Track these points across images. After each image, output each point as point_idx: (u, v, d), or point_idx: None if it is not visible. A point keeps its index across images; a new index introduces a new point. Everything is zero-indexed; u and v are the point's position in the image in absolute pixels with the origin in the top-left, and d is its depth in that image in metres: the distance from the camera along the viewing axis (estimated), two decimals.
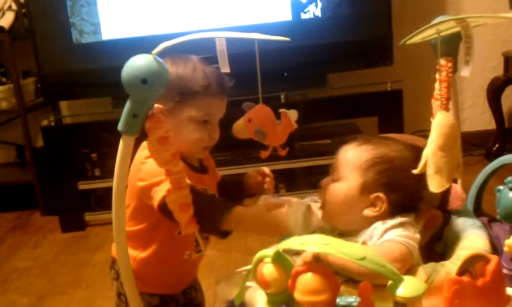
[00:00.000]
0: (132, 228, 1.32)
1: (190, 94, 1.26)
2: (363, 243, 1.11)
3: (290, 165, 2.83)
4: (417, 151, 1.17)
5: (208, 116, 1.29)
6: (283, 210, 1.16)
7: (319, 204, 1.24)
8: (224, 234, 1.22)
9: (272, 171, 2.86)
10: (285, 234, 1.16)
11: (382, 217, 1.13)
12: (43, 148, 3.07)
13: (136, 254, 1.33)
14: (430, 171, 1.07)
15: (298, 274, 0.82)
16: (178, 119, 1.26)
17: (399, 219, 1.11)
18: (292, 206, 1.17)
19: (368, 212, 1.14)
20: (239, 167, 2.79)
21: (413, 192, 1.17)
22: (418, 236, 1.10)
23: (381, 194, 1.14)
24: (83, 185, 3.01)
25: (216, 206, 1.21)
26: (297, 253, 1.03)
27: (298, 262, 0.87)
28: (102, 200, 3.04)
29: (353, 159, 1.17)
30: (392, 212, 1.14)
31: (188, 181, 1.15)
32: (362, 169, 1.15)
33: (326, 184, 1.20)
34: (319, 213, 1.23)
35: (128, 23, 2.86)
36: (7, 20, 3.11)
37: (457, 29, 1.08)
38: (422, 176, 1.15)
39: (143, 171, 1.22)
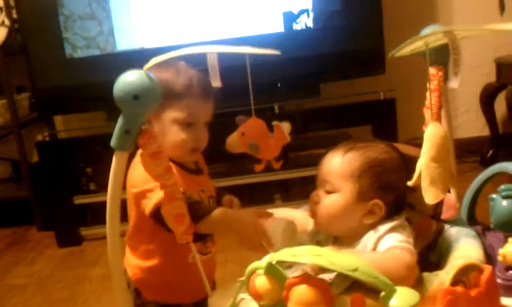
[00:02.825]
0: (134, 238, 1.34)
1: (172, 96, 1.27)
2: None
3: (285, 175, 2.84)
4: (398, 150, 1.20)
5: (191, 118, 1.30)
6: (267, 222, 1.17)
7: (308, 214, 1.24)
8: (199, 236, 1.23)
9: (268, 182, 2.90)
10: (258, 244, 1.17)
11: (378, 221, 1.14)
12: (38, 163, 3.06)
13: (142, 263, 1.34)
14: (424, 183, 1.08)
15: (292, 285, 0.82)
16: (163, 122, 1.28)
17: (389, 224, 1.12)
18: (274, 221, 1.18)
19: (367, 219, 1.15)
20: (233, 179, 2.79)
21: (404, 191, 1.18)
22: (411, 239, 1.11)
23: (378, 201, 1.14)
24: (79, 200, 3.00)
25: (195, 208, 1.20)
26: (290, 266, 1.03)
27: (291, 274, 0.87)
28: (98, 214, 3.03)
29: (344, 168, 1.17)
30: (386, 215, 1.14)
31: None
32: (355, 177, 1.15)
33: (318, 198, 1.19)
34: (310, 224, 1.24)
35: (122, 36, 2.87)
36: (0, 36, 3.11)
37: (444, 41, 1.08)
38: (410, 175, 1.16)
39: (134, 177, 1.24)
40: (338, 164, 1.18)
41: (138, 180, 1.22)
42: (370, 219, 1.15)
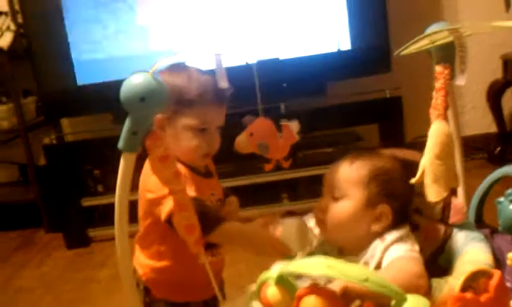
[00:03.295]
0: (146, 238, 1.35)
1: (185, 103, 1.27)
2: (365, 263, 1.12)
3: (293, 174, 2.83)
4: (399, 160, 1.22)
5: (205, 124, 1.30)
6: (278, 230, 1.18)
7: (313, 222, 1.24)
8: (210, 245, 1.24)
9: (276, 181, 2.90)
10: (277, 254, 1.17)
11: (385, 229, 1.15)
12: (45, 166, 3.07)
13: (152, 263, 1.35)
14: (428, 180, 1.08)
15: (302, 296, 0.83)
16: (176, 128, 1.28)
17: (395, 234, 1.13)
18: (285, 223, 1.19)
19: (375, 226, 1.16)
20: (241, 179, 2.79)
21: (409, 200, 1.21)
22: (417, 247, 1.12)
23: (385, 208, 1.15)
24: (86, 202, 3.01)
25: (208, 218, 1.21)
26: (301, 276, 1.03)
27: (301, 285, 0.87)
28: (106, 216, 3.03)
29: (352, 175, 1.18)
30: (392, 223, 1.15)
31: (191, 193, 1.16)
32: (364, 184, 1.17)
33: (325, 205, 1.20)
34: (315, 229, 1.24)
35: (128, 40, 2.87)
36: (6, 41, 3.12)
37: (450, 39, 1.08)
38: (414, 184, 1.17)
39: (150, 183, 1.23)
40: (347, 171, 1.20)
41: (155, 186, 1.21)
42: (377, 225, 1.16)
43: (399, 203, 1.17)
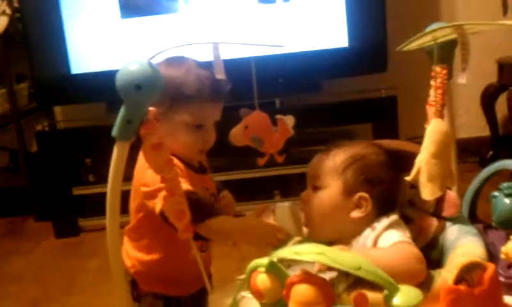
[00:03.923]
0: (137, 231, 1.34)
1: (183, 99, 1.25)
2: None
3: (286, 171, 2.83)
4: (380, 146, 1.23)
5: (201, 120, 1.29)
6: (271, 219, 1.18)
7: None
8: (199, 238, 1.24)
9: (268, 177, 2.88)
10: (277, 241, 1.17)
11: (369, 217, 1.15)
12: (36, 153, 3.05)
13: (142, 256, 1.34)
14: (422, 179, 1.08)
15: (293, 284, 0.82)
16: (172, 123, 1.27)
17: (385, 221, 1.13)
18: (278, 208, 1.21)
19: (355, 213, 1.16)
20: (232, 174, 2.78)
21: (392, 185, 1.20)
22: (409, 234, 1.12)
23: (364, 194, 1.15)
24: (77, 191, 2.99)
25: (201, 208, 1.20)
26: (289, 265, 1.03)
27: (293, 272, 0.86)
28: (96, 206, 3.00)
29: (329, 165, 1.19)
30: (376, 211, 1.15)
31: (185, 186, 1.16)
32: (340, 172, 1.17)
33: (307, 197, 1.21)
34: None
35: (124, 29, 2.86)
36: (0, 25, 3.10)
37: (453, 36, 1.08)
38: (399, 169, 1.18)
39: (147, 176, 1.22)
40: (324, 161, 1.21)
41: (151, 180, 1.20)
42: (358, 212, 1.15)
43: (381, 189, 1.17)
